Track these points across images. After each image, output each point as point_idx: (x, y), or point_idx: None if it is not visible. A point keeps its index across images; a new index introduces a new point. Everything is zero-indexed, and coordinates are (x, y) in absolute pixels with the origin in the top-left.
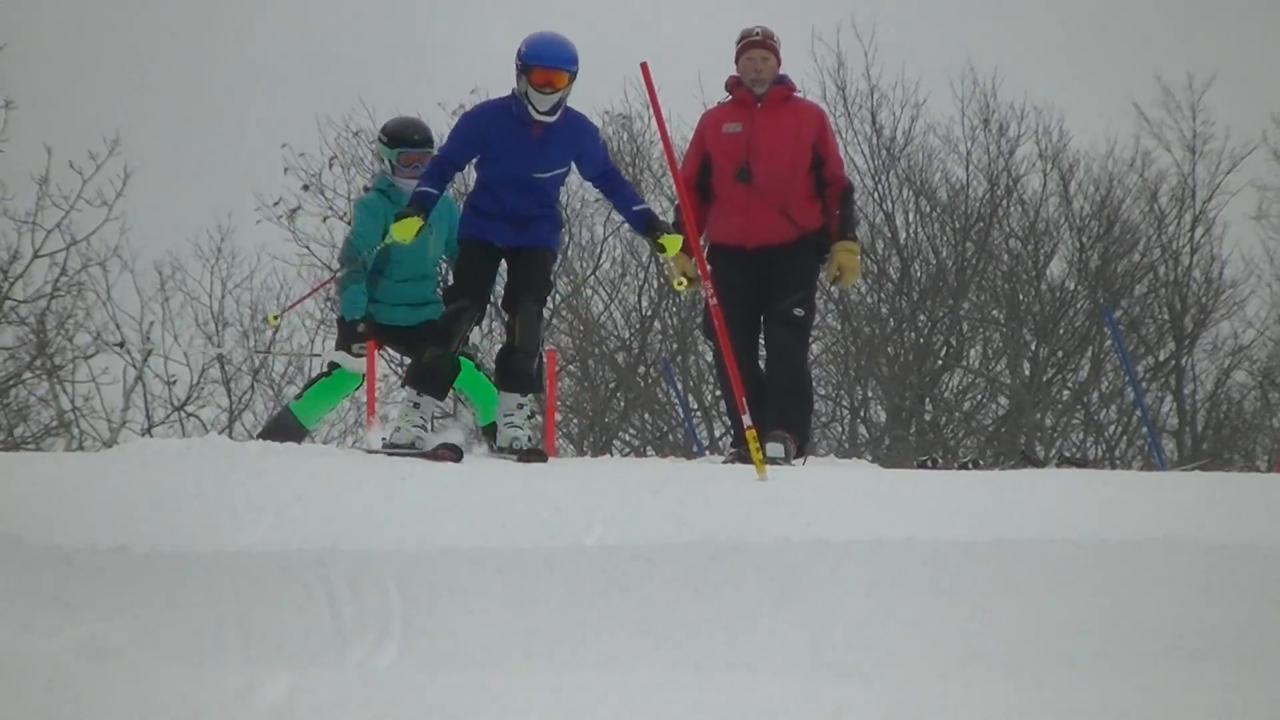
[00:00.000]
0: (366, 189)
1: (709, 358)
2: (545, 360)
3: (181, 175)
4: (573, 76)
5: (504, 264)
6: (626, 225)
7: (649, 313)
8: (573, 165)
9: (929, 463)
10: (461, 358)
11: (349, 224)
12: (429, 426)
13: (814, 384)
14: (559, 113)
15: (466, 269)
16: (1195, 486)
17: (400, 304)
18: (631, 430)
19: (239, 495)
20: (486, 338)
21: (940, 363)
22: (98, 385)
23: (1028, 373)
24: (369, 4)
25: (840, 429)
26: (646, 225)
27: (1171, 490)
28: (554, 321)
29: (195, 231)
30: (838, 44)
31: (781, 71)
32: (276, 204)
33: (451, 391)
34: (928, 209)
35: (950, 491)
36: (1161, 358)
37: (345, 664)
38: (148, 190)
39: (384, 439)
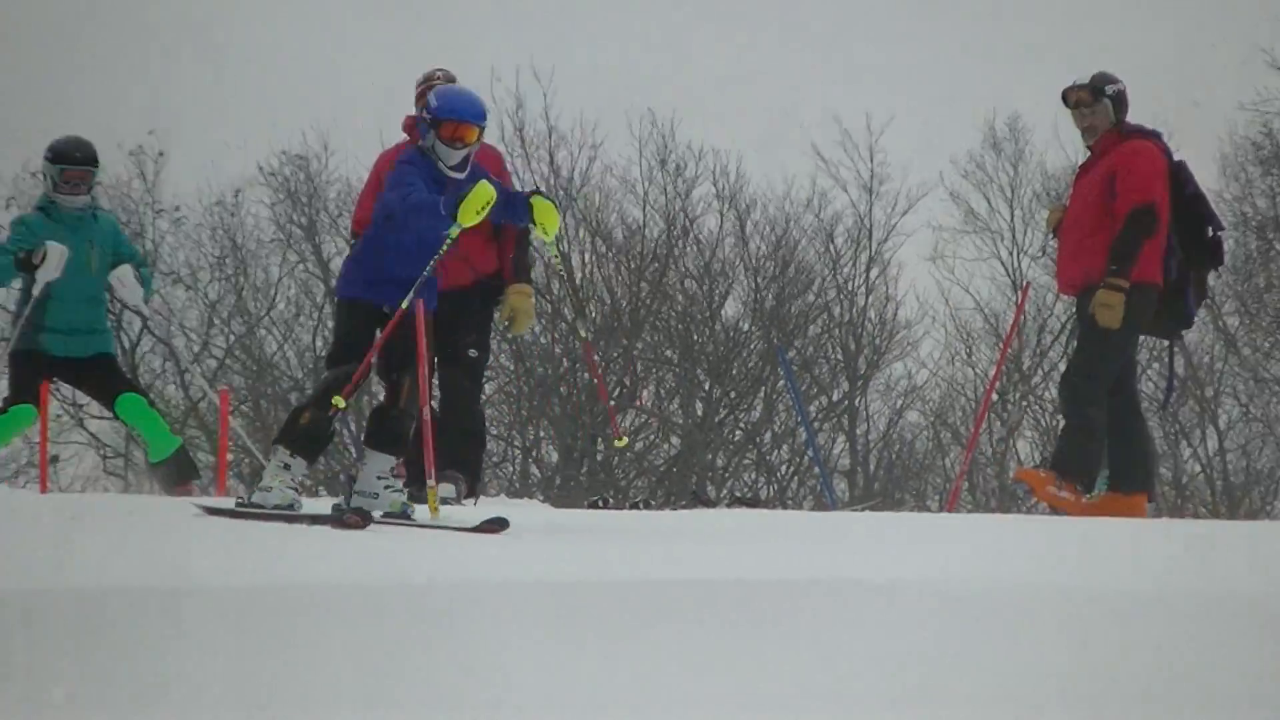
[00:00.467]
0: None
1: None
2: (219, 401)
3: None
4: (481, 131)
5: None
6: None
7: (323, 353)
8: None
9: (600, 503)
10: (134, 394)
11: None
12: (299, 490)
13: (486, 424)
14: (468, 167)
15: (350, 333)
16: (864, 526)
17: (73, 331)
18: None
19: None
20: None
21: (613, 403)
22: None
23: (700, 412)
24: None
25: (512, 468)
26: (532, 192)
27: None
28: (226, 362)
29: None
30: (517, 85)
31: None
32: None
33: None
34: (604, 249)
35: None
36: (835, 398)
37: None
38: None
39: (240, 497)
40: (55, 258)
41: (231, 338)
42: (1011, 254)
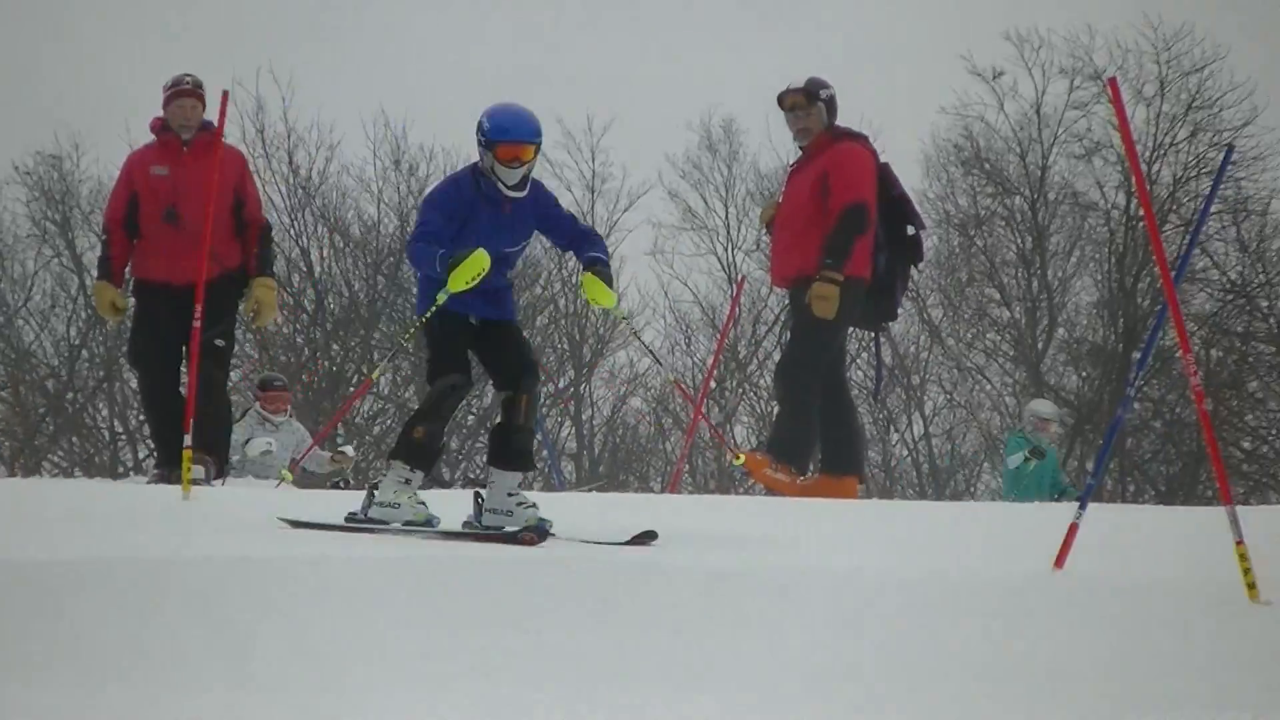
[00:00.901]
0: None
1: (134, 384)
2: None
3: None
4: (538, 148)
5: None
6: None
7: (78, 341)
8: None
9: (340, 484)
10: None
11: None
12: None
13: (234, 409)
14: (528, 186)
15: (447, 344)
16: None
17: None
18: (60, 452)
19: None
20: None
21: (351, 389)
22: None
23: None
24: None
25: None
26: (587, 263)
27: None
28: None
29: None
30: (257, 88)
31: (207, 117)
32: None
33: None
34: (342, 244)
35: None
36: (561, 385)
37: None
38: None
39: (353, 512)
40: None
41: None
42: (727, 249)
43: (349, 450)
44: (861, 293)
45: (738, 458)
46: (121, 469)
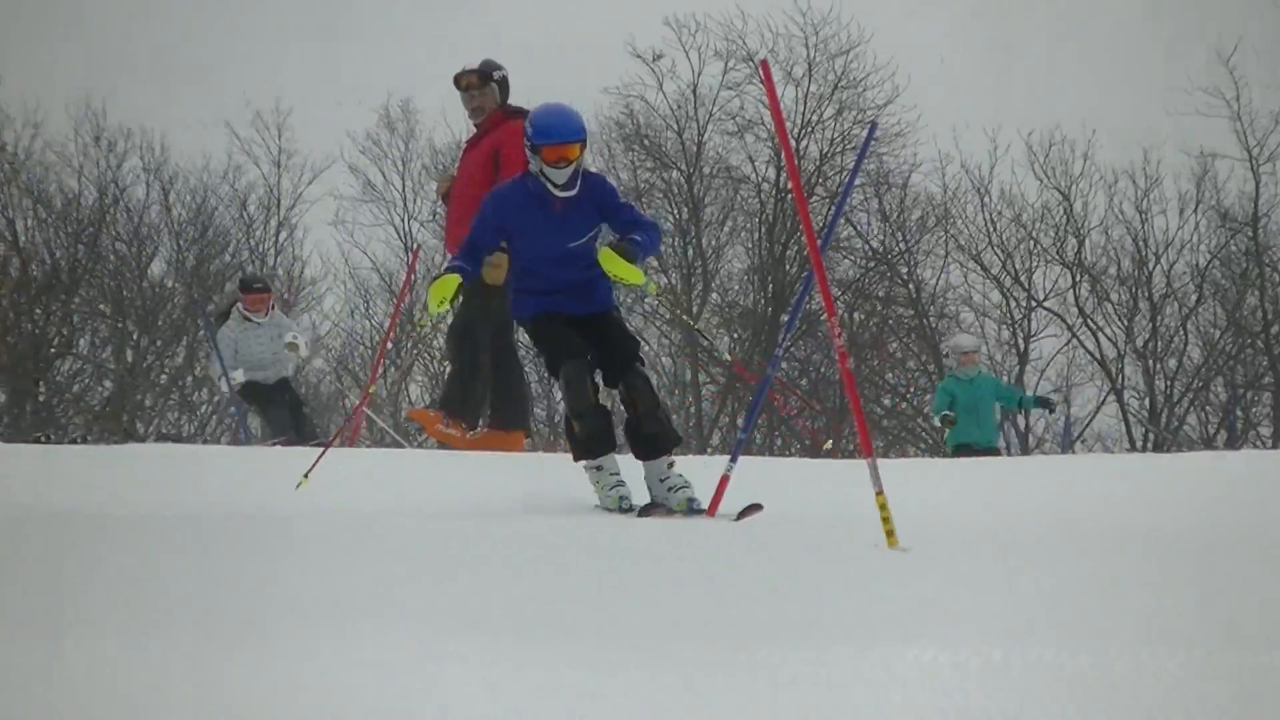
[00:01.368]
0: None
1: None
2: None
3: None
4: (583, 145)
5: None
6: None
7: None
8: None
9: (42, 439)
10: None
11: None
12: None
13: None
14: (578, 183)
15: (552, 336)
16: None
17: None
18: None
19: None
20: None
21: (53, 350)
22: None
23: (130, 359)
24: None
25: None
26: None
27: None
28: None
29: None
30: None
31: None
32: None
33: None
34: (45, 216)
35: None
36: None
37: None
38: None
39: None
40: None
41: None
42: (404, 220)
43: (300, 342)
44: None
45: (409, 415)
46: None
